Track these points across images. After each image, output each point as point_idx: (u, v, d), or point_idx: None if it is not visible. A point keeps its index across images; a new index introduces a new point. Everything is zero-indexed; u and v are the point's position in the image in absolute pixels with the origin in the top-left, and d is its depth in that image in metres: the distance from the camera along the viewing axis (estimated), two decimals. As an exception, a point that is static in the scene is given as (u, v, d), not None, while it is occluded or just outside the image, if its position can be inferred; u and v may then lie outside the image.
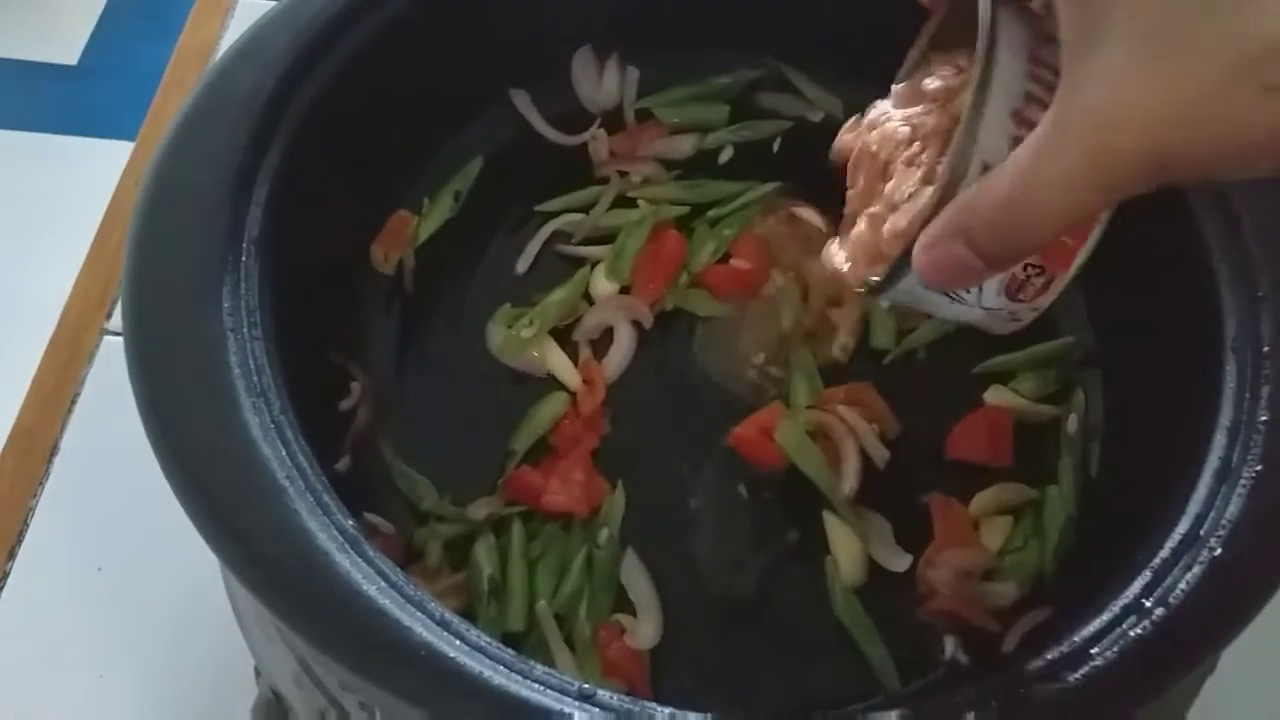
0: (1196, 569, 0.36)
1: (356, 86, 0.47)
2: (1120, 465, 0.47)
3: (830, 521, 0.46)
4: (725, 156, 0.55)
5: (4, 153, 0.71)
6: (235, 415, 0.35)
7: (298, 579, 0.33)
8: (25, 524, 0.53)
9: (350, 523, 0.35)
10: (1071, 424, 0.49)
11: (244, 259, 0.39)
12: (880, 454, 0.47)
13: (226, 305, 0.38)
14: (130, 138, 0.67)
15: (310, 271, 0.46)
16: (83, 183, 0.68)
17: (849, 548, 0.45)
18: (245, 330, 0.37)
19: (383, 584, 0.33)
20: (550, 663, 0.41)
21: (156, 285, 0.38)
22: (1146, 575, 0.37)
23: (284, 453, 0.35)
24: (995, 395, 0.49)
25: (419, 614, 0.33)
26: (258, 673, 0.45)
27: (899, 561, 0.45)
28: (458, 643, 0.32)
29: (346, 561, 0.33)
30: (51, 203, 0.68)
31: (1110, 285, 0.50)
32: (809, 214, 0.54)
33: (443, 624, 0.33)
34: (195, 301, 0.37)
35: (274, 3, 0.45)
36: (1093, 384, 0.50)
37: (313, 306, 0.47)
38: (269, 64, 0.44)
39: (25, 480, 0.54)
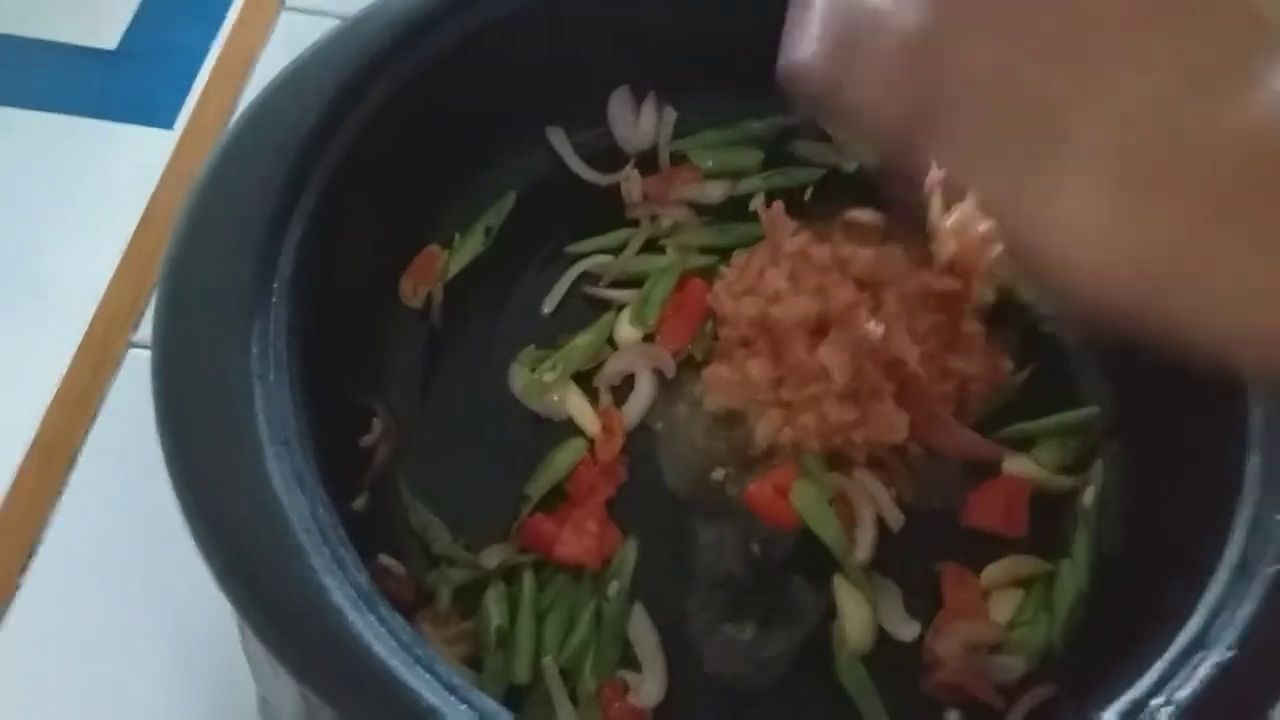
0: (1207, 669, 0.36)
1: (396, 124, 0.47)
2: (1135, 544, 0.47)
3: (841, 586, 0.46)
4: (756, 203, 0.55)
5: (41, 136, 0.71)
6: (259, 466, 0.36)
7: (310, 635, 0.34)
8: (40, 535, 0.53)
9: (364, 577, 0.35)
10: (1088, 496, 0.49)
11: (274, 301, 0.40)
12: (896, 519, 0.47)
13: (255, 351, 0.38)
14: (169, 126, 0.68)
15: (340, 306, 0.47)
16: (120, 171, 0.68)
17: (858, 614, 0.45)
18: (271, 376, 0.38)
19: (394, 644, 0.34)
20: (552, 717, 0.42)
21: (186, 329, 0.38)
22: (1155, 673, 0.37)
23: (304, 504, 0.36)
24: (1013, 464, 0.49)
25: (427, 676, 0.33)
26: (262, 700, 0.45)
27: (908, 630, 0.45)
28: (464, 708, 0.33)
29: (359, 621, 0.34)
30: (87, 190, 0.68)
31: (1137, 356, 0.50)
32: (864, 215, 0.53)
33: (450, 689, 0.33)
34: (224, 348, 0.38)
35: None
36: (1112, 457, 0.50)
37: (340, 340, 0.47)
38: (308, 102, 0.44)
39: (44, 491, 0.55)
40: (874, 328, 0.45)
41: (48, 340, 0.60)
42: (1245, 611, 0.37)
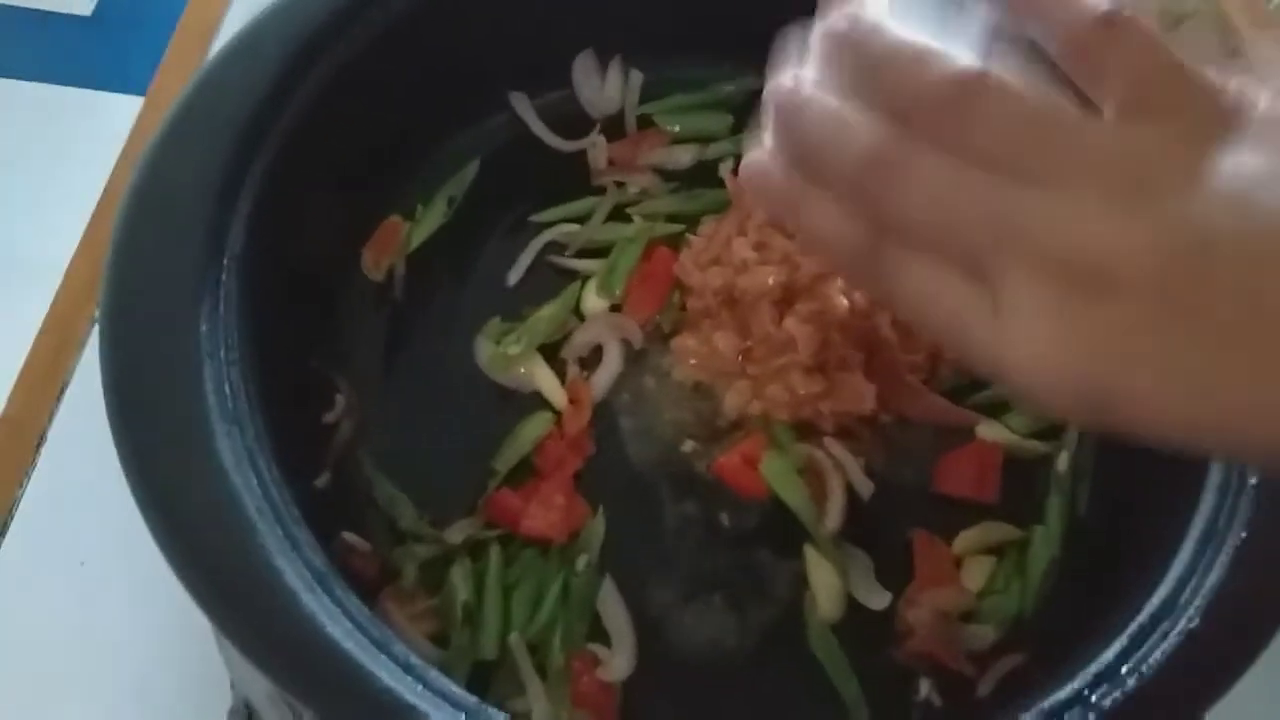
0: (1173, 639, 0.36)
1: (352, 91, 0.46)
2: (1106, 510, 0.47)
3: (811, 556, 0.46)
4: (726, 168, 0.54)
5: (14, 104, 0.70)
6: (209, 447, 0.35)
7: (264, 618, 0.33)
8: (10, 514, 0.53)
9: (320, 558, 0.35)
10: (1062, 461, 0.48)
11: (224, 277, 0.39)
12: (866, 487, 0.47)
13: (204, 329, 0.37)
14: (142, 92, 0.66)
15: (298, 280, 0.46)
16: (94, 139, 0.67)
17: (829, 583, 0.45)
18: (222, 355, 0.37)
19: (349, 625, 0.33)
20: (520, 692, 0.41)
21: (134, 308, 0.37)
22: (1122, 641, 0.36)
23: (255, 483, 0.35)
24: (986, 429, 0.49)
25: (383, 657, 0.33)
26: (233, 683, 0.45)
27: (879, 599, 0.45)
28: (420, 688, 0.32)
29: (313, 601, 0.33)
30: (60, 159, 0.67)
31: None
32: None
33: (407, 668, 0.33)
34: (172, 327, 0.37)
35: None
36: (1086, 422, 0.49)
37: (298, 315, 0.46)
38: (259, 68, 0.43)
39: (12, 469, 0.54)
40: (841, 300, 0.44)
41: (16, 314, 0.60)
42: (1211, 580, 0.36)
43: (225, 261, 0.39)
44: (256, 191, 0.41)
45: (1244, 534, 0.37)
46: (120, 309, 0.37)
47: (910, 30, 0.25)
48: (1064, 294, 0.23)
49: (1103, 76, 0.23)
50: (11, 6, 0.70)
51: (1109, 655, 0.36)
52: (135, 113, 0.66)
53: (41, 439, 0.55)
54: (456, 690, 0.33)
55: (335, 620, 0.33)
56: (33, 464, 0.55)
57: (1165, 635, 0.36)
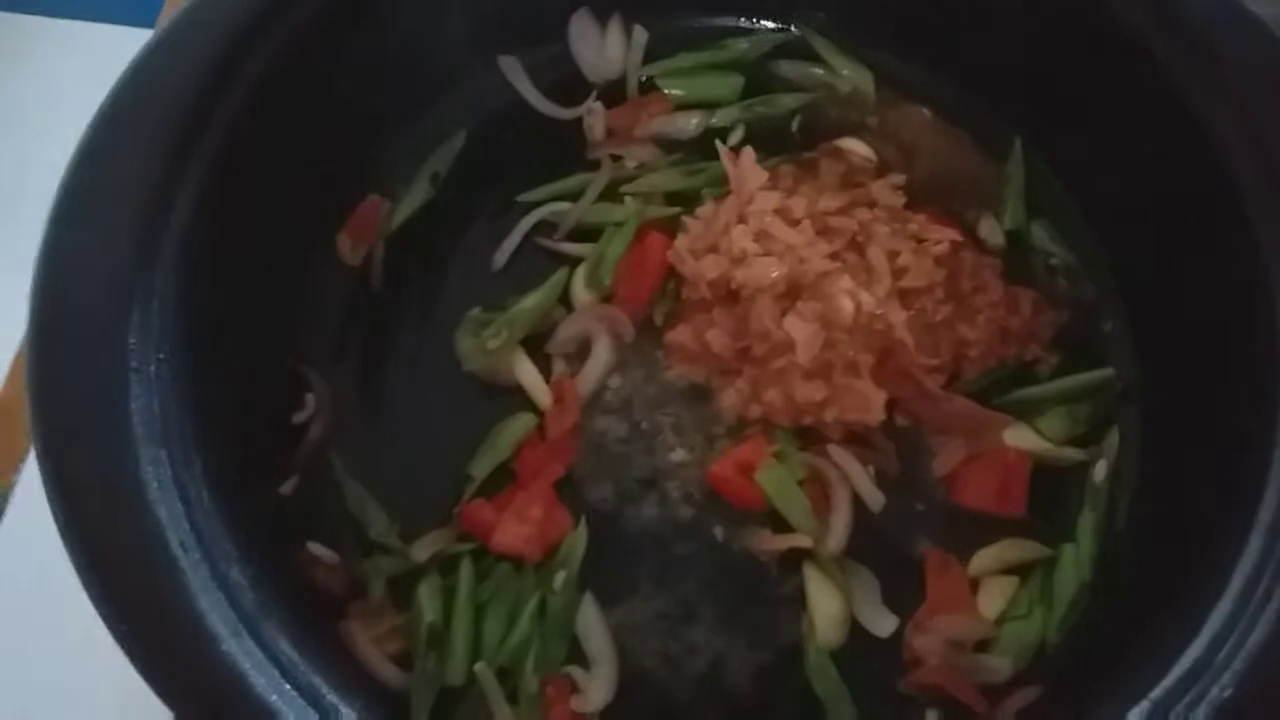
0: (1204, 710, 0.31)
1: (321, 56, 0.42)
2: (1147, 530, 0.42)
3: (811, 575, 0.42)
4: (736, 137, 0.49)
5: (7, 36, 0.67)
6: (134, 476, 0.32)
7: (182, 664, 0.31)
8: (5, 500, 0.52)
9: (251, 596, 0.32)
10: (1100, 471, 0.43)
11: (157, 282, 0.36)
12: (875, 499, 0.43)
13: (132, 342, 0.34)
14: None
15: (260, 270, 0.43)
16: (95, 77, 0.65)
17: (829, 606, 0.41)
18: (152, 368, 0.34)
19: (275, 674, 0.31)
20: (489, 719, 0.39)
21: (59, 322, 0.34)
22: (1146, 705, 0.32)
23: (183, 514, 0.33)
24: (1015, 435, 0.44)
25: (311, 711, 0.30)
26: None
27: (884, 624, 0.41)
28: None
29: (236, 647, 0.31)
30: (58, 100, 0.64)
31: (1167, 315, 0.44)
32: (855, 145, 0.48)
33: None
34: (97, 341, 0.34)
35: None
36: (1130, 426, 0.44)
37: (263, 308, 0.43)
38: (211, 28, 0.39)
39: (7, 457, 0.53)
40: (848, 302, 0.40)
41: (9, 303, 0.58)
42: (1252, 641, 0.32)
43: (164, 257, 0.36)
44: (199, 184, 0.38)
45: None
46: (45, 325, 0.34)
47: None
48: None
49: None
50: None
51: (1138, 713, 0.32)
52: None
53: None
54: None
55: (259, 668, 0.31)
56: (27, 450, 0.53)
57: (1195, 704, 0.31)
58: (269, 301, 0.43)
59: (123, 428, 0.33)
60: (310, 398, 0.44)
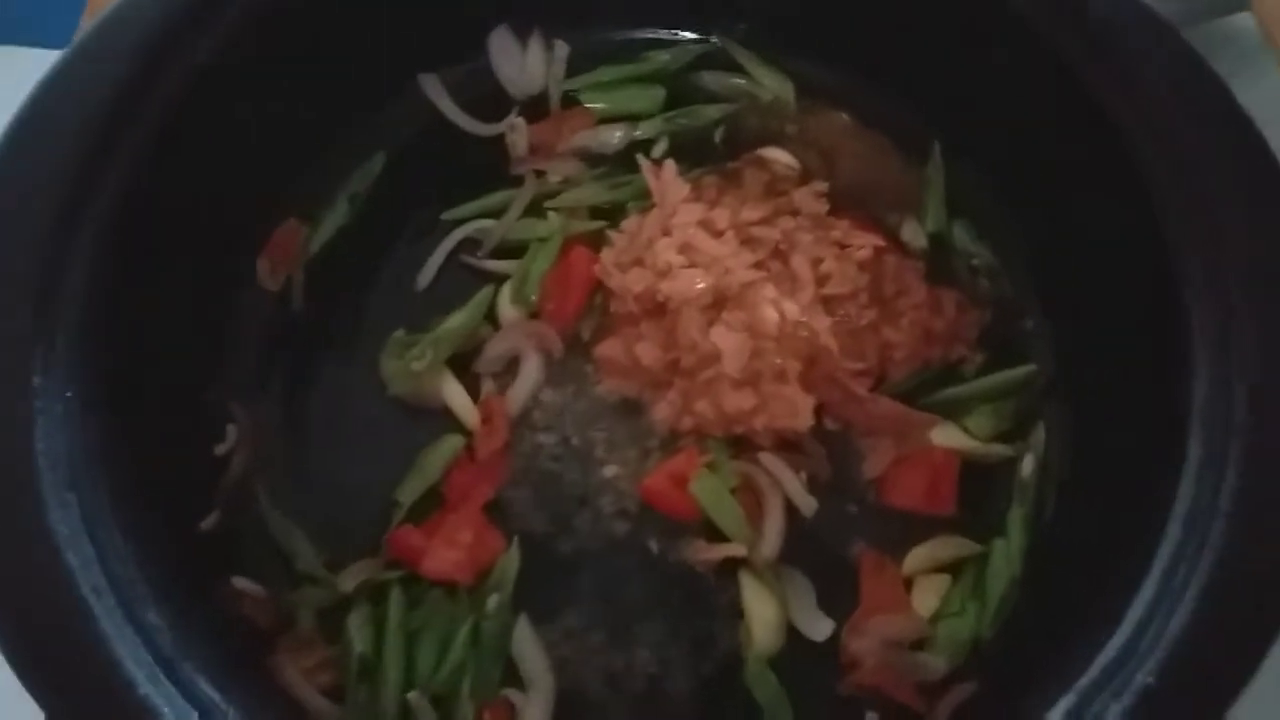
0: (1127, 699, 0.32)
1: (233, 79, 0.41)
2: (1074, 524, 0.42)
3: (747, 582, 0.42)
4: (659, 149, 0.49)
5: None
6: (41, 522, 0.31)
7: (97, 711, 0.30)
8: None
9: (169, 636, 0.31)
10: (1027, 466, 0.44)
11: (64, 316, 0.35)
12: (808, 504, 0.43)
13: (36, 381, 0.33)
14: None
15: (176, 298, 0.42)
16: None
17: (766, 613, 0.41)
18: (59, 408, 0.33)
19: (195, 717, 0.30)
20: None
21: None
22: (1072, 698, 0.32)
23: (95, 558, 0.32)
24: (943, 434, 0.44)
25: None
26: None
27: (821, 628, 0.41)
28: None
29: (155, 694, 0.30)
30: None
31: (1084, 310, 0.45)
32: (778, 154, 0.48)
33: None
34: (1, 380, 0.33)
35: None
36: (1054, 421, 0.45)
37: (178, 338, 0.42)
38: (121, 52, 0.38)
39: None
40: (772, 311, 0.40)
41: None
42: (1172, 628, 0.32)
43: (66, 298, 0.35)
44: (106, 214, 0.37)
45: (1204, 580, 0.33)
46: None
47: None
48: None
49: None
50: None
51: (1059, 713, 0.32)
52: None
53: None
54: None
55: (180, 713, 0.30)
56: None
57: (1118, 693, 0.32)
58: (184, 331, 0.43)
59: (27, 476, 0.32)
60: (231, 429, 0.43)
